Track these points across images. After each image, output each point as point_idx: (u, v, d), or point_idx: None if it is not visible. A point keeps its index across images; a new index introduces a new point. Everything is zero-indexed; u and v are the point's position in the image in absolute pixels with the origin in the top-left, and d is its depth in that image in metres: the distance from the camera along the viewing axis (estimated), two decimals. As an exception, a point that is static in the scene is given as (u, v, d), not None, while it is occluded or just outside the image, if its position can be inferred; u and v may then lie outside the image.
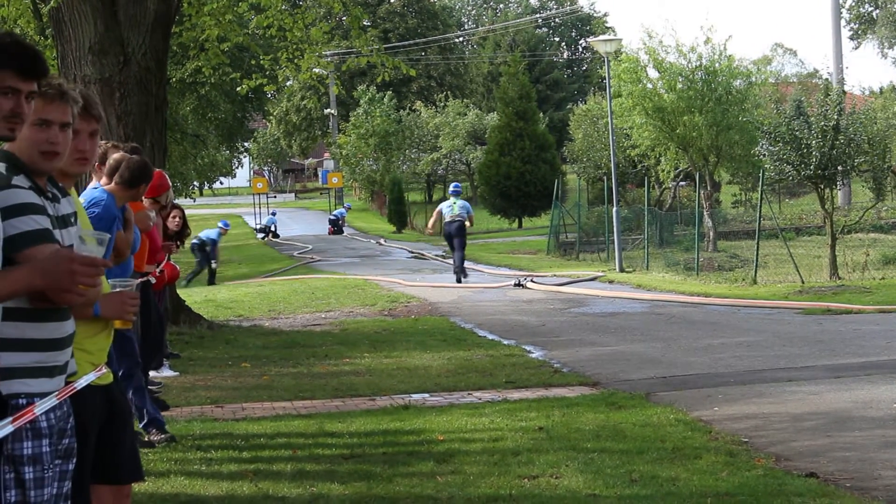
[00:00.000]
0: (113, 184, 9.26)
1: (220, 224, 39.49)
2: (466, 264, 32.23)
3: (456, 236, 31.16)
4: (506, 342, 17.91)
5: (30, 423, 4.70)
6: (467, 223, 31.19)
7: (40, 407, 4.72)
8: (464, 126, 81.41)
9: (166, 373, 14.82)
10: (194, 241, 36.97)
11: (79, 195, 7.06)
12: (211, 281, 36.42)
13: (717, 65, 41.73)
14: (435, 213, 33.09)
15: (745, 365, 14.77)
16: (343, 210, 69.21)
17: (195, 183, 63.70)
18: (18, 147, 4.80)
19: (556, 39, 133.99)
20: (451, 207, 31.39)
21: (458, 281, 30.66)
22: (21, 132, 4.62)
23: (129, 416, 5.74)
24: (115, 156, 9.43)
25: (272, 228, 63.95)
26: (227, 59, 26.94)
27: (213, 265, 37.26)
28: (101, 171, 9.34)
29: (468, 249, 33.88)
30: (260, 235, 64.79)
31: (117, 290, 5.46)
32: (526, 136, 64.02)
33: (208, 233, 37.83)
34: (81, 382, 5.10)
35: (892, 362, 14.39)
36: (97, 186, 9.29)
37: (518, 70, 66.50)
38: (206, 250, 37.13)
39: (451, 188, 33.27)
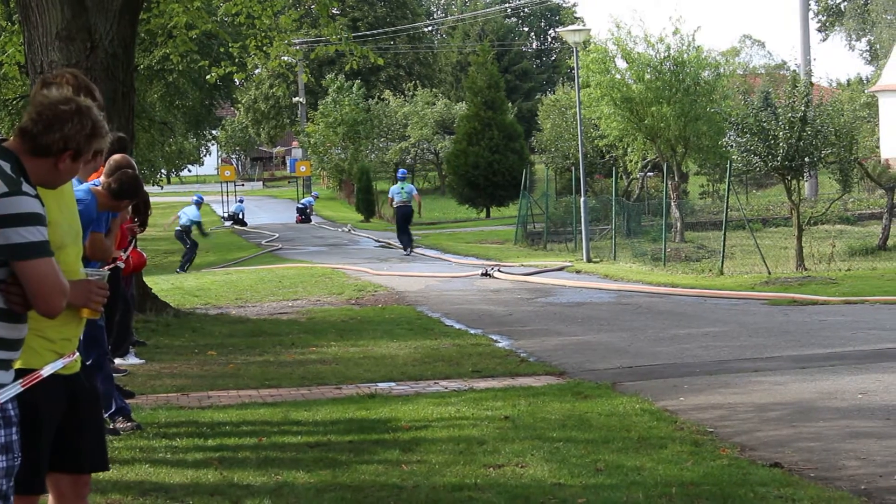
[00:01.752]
0: (101, 186, 9.29)
1: (194, 200, 39.01)
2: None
3: (407, 218, 38.00)
4: (472, 331, 17.92)
5: (1, 413, 4.73)
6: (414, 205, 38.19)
7: (4, 394, 4.73)
8: (432, 115, 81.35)
9: (132, 360, 14.78)
10: (177, 229, 37.24)
11: None
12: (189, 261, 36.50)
13: (685, 55, 41.78)
14: (390, 198, 39.57)
15: (711, 355, 14.82)
16: (311, 199, 69.02)
17: (163, 170, 63.38)
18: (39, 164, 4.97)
19: (526, 29, 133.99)
20: (399, 193, 37.77)
21: (407, 250, 37.75)
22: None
23: (95, 406, 5.69)
24: (116, 157, 9.44)
25: (240, 216, 63.74)
26: (196, 47, 26.89)
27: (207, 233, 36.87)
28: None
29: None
30: (227, 223, 64.57)
31: (87, 278, 5.43)
32: (494, 126, 63.96)
33: (189, 216, 37.21)
34: (47, 370, 5.10)
35: (857, 353, 14.47)
36: (96, 183, 9.36)
37: (487, 60, 66.39)
38: (191, 235, 36.87)
39: (398, 173, 39.69)
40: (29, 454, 5.01)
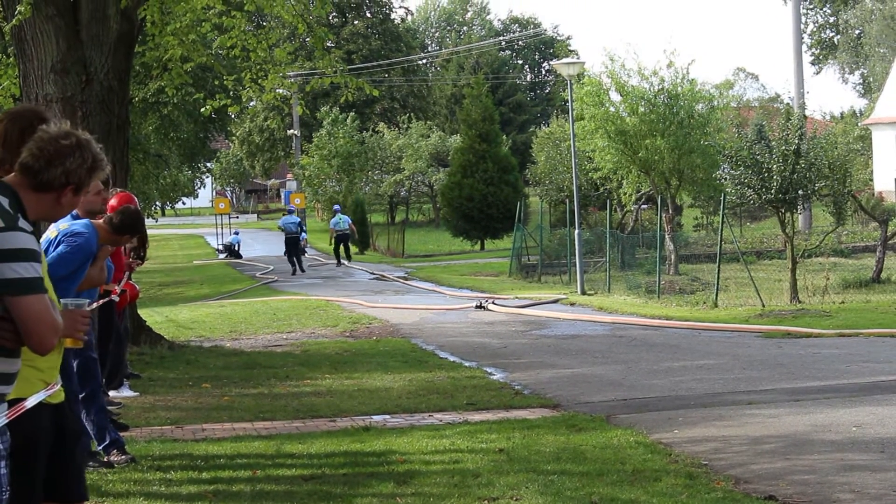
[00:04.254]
0: (102, 220, 9.28)
1: (290, 208, 53.93)
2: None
3: (344, 242, 50.80)
4: (467, 364, 17.91)
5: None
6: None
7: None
8: (427, 148, 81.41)
9: (126, 393, 14.75)
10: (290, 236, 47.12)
11: None
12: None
13: (679, 88, 41.86)
14: (331, 228, 51.63)
15: (705, 388, 14.82)
16: (303, 234, 68.85)
17: (157, 203, 63.43)
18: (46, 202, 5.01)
19: (520, 62, 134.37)
20: (337, 223, 50.20)
21: (339, 265, 49.92)
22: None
23: (79, 435, 5.71)
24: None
25: (235, 248, 63.56)
26: (191, 79, 26.90)
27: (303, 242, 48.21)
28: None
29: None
30: (221, 256, 64.41)
31: (69, 308, 5.45)
32: (489, 159, 64.04)
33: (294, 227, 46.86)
34: (32, 400, 5.11)
35: (851, 386, 14.47)
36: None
37: (481, 92, 66.50)
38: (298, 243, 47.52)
39: (335, 207, 53.47)
40: (23, 486, 5.01)
